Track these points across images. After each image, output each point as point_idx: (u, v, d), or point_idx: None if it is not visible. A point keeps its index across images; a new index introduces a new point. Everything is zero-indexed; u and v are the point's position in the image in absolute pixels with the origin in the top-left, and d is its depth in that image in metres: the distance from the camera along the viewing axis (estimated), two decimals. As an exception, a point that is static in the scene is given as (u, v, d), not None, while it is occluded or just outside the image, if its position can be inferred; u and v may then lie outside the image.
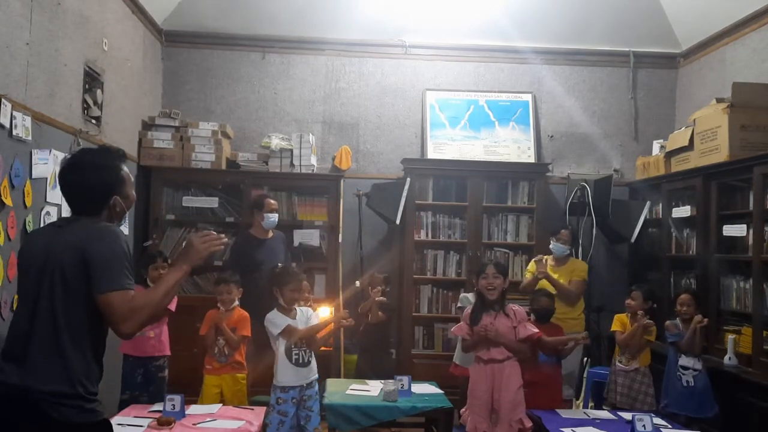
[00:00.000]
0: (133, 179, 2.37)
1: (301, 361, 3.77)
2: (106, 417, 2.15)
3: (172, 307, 4.34)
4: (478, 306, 3.83)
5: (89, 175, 2.21)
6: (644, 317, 4.34)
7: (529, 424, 3.64)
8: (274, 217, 4.98)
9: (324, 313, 5.13)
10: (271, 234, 5.04)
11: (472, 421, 3.68)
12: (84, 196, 2.22)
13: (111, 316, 2.05)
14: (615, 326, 4.54)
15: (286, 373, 3.76)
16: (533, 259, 5.14)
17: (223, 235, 2.32)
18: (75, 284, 2.07)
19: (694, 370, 4.23)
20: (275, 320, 3.80)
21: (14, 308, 2.26)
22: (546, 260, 5.02)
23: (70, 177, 2.24)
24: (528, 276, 5.12)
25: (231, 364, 4.27)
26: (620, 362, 4.40)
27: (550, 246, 5.14)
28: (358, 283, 5.63)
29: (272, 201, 5.03)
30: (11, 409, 2.02)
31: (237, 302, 4.41)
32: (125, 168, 2.30)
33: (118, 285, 2.05)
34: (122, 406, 4.10)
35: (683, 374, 4.26)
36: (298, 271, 3.95)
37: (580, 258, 5.48)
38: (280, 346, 3.79)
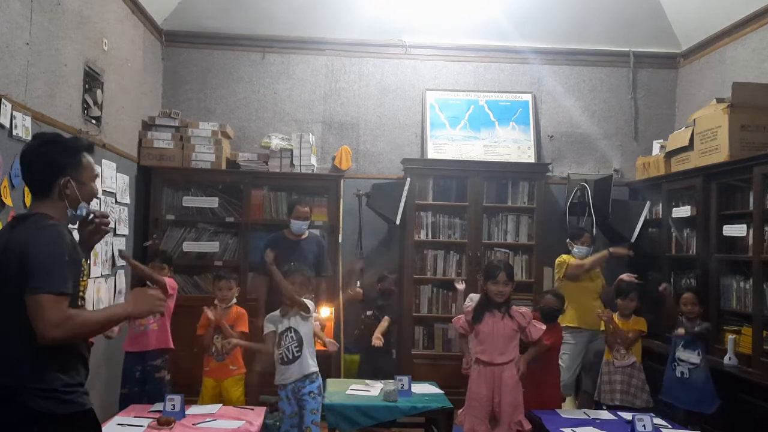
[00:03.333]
0: (97, 172, 2.28)
1: (285, 359, 3.79)
2: (90, 407, 2.12)
3: (173, 290, 4.34)
4: (482, 305, 3.83)
5: (44, 149, 2.16)
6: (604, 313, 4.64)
7: (528, 426, 3.64)
8: (299, 224, 4.91)
9: (324, 313, 5.14)
10: (305, 236, 5.01)
11: (470, 422, 3.67)
12: (34, 170, 2.16)
13: (39, 319, 1.94)
14: (603, 328, 4.67)
15: (277, 372, 3.83)
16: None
17: (165, 299, 2.38)
18: (17, 285, 2.00)
19: (691, 363, 4.28)
20: (266, 322, 3.91)
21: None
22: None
23: (28, 149, 2.19)
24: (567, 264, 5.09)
25: (229, 365, 4.26)
26: (615, 359, 4.48)
27: (573, 250, 5.12)
28: (358, 283, 5.63)
29: (303, 208, 4.94)
30: None
31: (235, 300, 4.41)
32: (89, 158, 2.24)
33: (51, 287, 1.96)
34: (122, 400, 4.16)
35: (678, 365, 4.32)
36: (302, 269, 3.98)
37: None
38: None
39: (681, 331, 4.32)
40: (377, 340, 4.84)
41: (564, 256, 5.19)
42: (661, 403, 4.38)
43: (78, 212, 2.23)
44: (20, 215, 2.23)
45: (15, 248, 2.03)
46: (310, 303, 3.90)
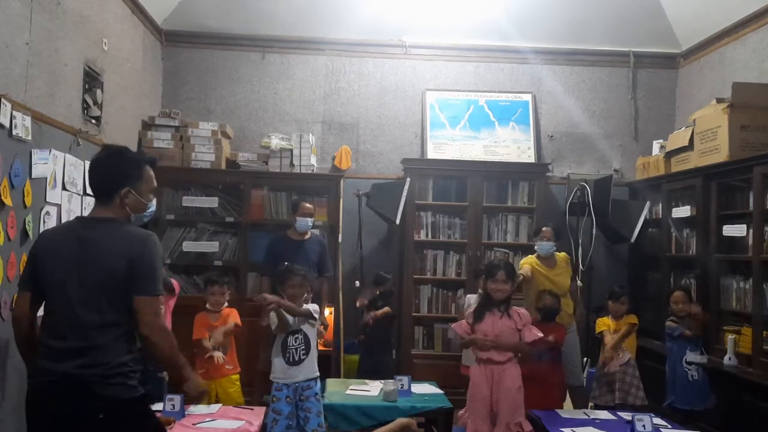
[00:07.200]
0: (155, 184, 2.49)
1: (291, 359, 3.79)
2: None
3: (176, 289, 4.33)
4: (483, 305, 3.83)
5: (111, 160, 2.40)
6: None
7: (528, 428, 3.63)
8: (305, 221, 4.92)
9: (324, 313, 5.14)
10: (308, 236, 5.01)
11: (473, 423, 3.66)
12: (100, 179, 2.38)
13: (149, 312, 2.30)
14: (600, 328, 4.66)
15: (276, 369, 3.81)
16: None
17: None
18: (122, 281, 2.26)
19: (698, 364, 4.32)
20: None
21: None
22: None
23: (96, 159, 2.42)
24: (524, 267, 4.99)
25: (224, 364, 4.25)
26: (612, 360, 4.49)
27: (536, 246, 5.04)
28: (357, 283, 5.63)
29: (308, 205, 4.96)
30: (68, 393, 2.18)
31: (226, 303, 4.40)
32: (150, 171, 2.46)
33: (158, 290, 2.34)
34: None
35: (688, 369, 4.34)
36: (299, 269, 3.97)
37: (574, 257, 5.40)
38: (277, 341, 3.85)
39: (687, 332, 4.36)
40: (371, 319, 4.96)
41: (526, 258, 5.10)
42: (671, 408, 4.36)
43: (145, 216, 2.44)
44: (91, 217, 2.41)
45: (113, 253, 2.28)
46: (314, 309, 3.92)
